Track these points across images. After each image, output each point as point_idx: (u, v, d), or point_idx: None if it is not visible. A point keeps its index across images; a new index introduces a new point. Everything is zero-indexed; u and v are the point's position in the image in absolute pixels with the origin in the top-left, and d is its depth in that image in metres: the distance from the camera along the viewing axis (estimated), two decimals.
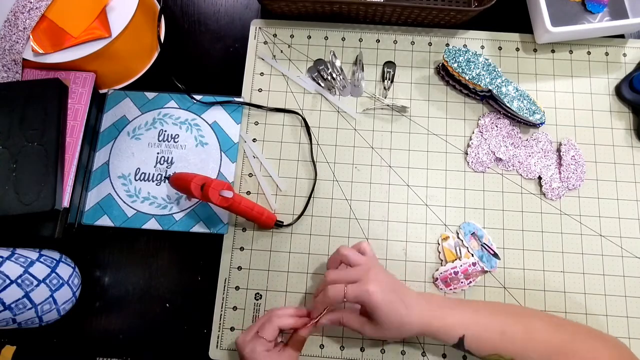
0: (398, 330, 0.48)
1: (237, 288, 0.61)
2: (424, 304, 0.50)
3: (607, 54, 0.69)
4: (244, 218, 0.60)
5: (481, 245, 0.61)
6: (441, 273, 0.60)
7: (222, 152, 0.65)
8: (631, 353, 0.50)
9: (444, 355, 0.58)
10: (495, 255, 0.60)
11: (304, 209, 0.63)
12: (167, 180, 0.64)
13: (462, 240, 0.61)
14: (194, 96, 0.67)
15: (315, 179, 0.64)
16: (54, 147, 0.58)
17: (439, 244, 0.61)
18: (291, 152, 0.66)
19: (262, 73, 0.69)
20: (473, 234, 0.61)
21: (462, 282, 0.59)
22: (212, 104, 0.67)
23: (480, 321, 0.49)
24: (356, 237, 0.62)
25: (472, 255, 0.60)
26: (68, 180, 0.59)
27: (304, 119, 0.66)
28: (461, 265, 0.59)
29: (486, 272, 0.60)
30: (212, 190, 0.54)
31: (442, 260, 0.61)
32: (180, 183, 0.57)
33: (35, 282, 0.54)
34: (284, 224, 0.62)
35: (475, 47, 0.70)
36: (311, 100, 0.68)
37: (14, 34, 0.60)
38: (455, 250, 0.61)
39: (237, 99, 0.67)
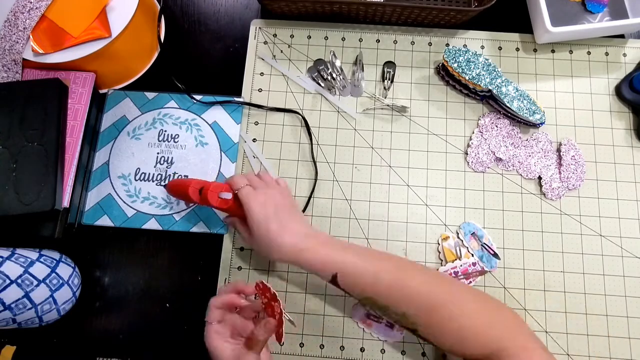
0: (266, 249, 0.50)
1: None
2: (303, 233, 0.50)
3: (607, 54, 0.69)
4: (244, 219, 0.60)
5: (481, 245, 0.61)
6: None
7: (222, 152, 0.65)
8: (527, 328, 0.47)
9: (443, 356, 0.58)
10: (495, 255, 0.60)
11: (304, 209, 0.63)
12: (164, 187, 0.63)
13: (462, 240, 0.61)
14: (194, 96, 0.66)
15: (315, 179, 0.64)
16: (54, 147, 0.58)
17: (439, 244, 0.61)
18: (291, 152, 0.66)
19: (262, 73, 0.69)
20: (473, 234, 0.61)
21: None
22: (212, 103, 0.67)
23: (357, 262, 0.48)
24: (356, 237, 0.62)
25: (472, 255, 0.60)
26: (68, 180, 0.59)
27: (304, 119, 0.66)
28: (461, 265, 0.59)
29: (486, 272, 0.60)
30: (211, 193, 0.54)
31: (442, 260, 0.61)
32: (177, 189, 0.57)
33: (35, 282, 0.54)
34: None
35: (475, 47, 0.70)
36: (311, 100, 0.68)
37: (14, 34, 0.60)
38: (455, 250, 0.61)
39: (237, 99, 0.67)
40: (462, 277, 0.59)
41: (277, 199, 0.52)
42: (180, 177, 0.64)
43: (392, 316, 0.48)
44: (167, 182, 0.63)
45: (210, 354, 0.50)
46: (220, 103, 0.67)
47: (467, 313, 0.46)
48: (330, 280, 0.49)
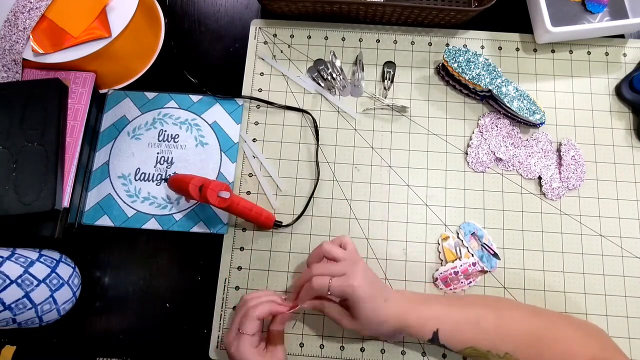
0: (376, 326, 0.49)
1: (237, 288, 0.61)
2: (400, 298, 0.50)
3: (607, 54, 0.69)
4: (243, 219, 0.60)
5: (481, 245, 0.61)
6: (441, 273, 0.60)
7: (222, 152, 0.65)
8: (612, 342, 0.49)
9: (444, 356, 0.58)
10: (495, 255, 0.60)
11: (304, 209, 0.63)
12: (165, 182, 0.64)
13: (462, 240, 0.61)
14: (191, 96, 0.67)
15: (317, 179, 0.64)
16: (54, 147, 0.58)
17: (439, 243, 0.61)
18: (291, 152, 0.66)
19: (262, 73, 0.69)
20: (473, 234, 0.61)
21: (462, 282, 0.59)
22: (222, 98, 0.67)
23: (453, 315, 0.49)
24: (356, 237, 0.62)
25: (472, 255, 0.60)
26: (68, 180, 0.59)
27: (314, 119, 0.66)
28: (461, 265, 0.59)
29: (486, 272, 0.60)
30: (210, 192, 0.54)
31: (442, 260, 0.61)
32: (179, 185, 0.57)
33: (35, 282, 0.54)
34: (283, 224, 0.62)
35: (475, 47, 0.70)
36: (311, 100, 0.68)
37: (14, 34, 0.60)
38: (456, 250, 0.61)
39: (236, 99, 0.67)
40: (462, 277, 0.59)
41: (364, 272, 0.50)
42: None
43: (491, 359, 0.48)
44: (168, 177, 0.64)
45: None
46: (234, 97, 0.67)
47: (562, 338, 0.47)
48: (431, 338, 0.49)
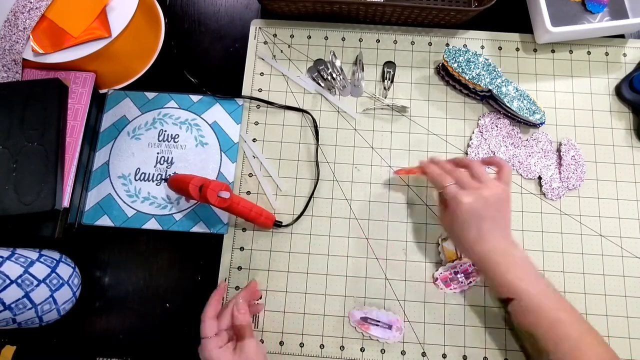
0: (458, 240, 0.53)
1: (237, 288, 0.61)
2: (500, 248, 0.51)
3: (607, 54, 0.69)
4: (243, 219, 0.60)
5: None
6: (441, 273, 0.60)
7: (222, 152, 0.65)
8: None
9: (444, 356, 0.58)
10: None
11: (304, 209, 0.63)
12: (165, 182, 0.64)
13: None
14: (191, 96, 0.67)
15: (317, 179, 0.64)
16: (54, 147, 0.58)
17: (438, 243, 0.61)
18: (291, 152, 0.66)
19: (262, 73, 0.69)
20: None
21: (462, 282, 0.59)
22: (222, 98, 0.67)
23: (542, 300, 0.48)
24: (356, 237, 0.62)
25: None
26: (68, 180, 0.59)
27: (314, 119, 0.66)
28: (461, 265, 0.59)
29: None
30: (210, 192, 0.54)
31: (442, 260, 0.61)
32: (179, 185, 0.58)
33: (35, 282, 0.54)
34: (283, 224, 0.62)
35: (475, 47, 0.70)
36: (311, 100, 0.68)
37: (14, 34, 0.60)
38: (456, 249, 0.61)
39: (237, 99, 0.67)
40: (462, 276, 0.59)
41: (486, 204, 0.51)
42: None
43: (537, 354, 0.48)
44: (168, 177, 0.63)
45: None
46: (234, 98, 0.67)
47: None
48: (503, 300, 0.50)
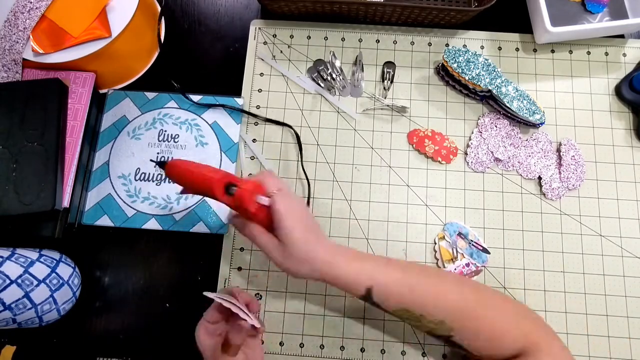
0: (303, 260, 0.46)
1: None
2: (334, 245, 0.48)
3: (607, 54, 0.69)
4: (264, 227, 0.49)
5: (469, 242, 0.61)
6: None
7: (222, 152, 0.65)
8: (549, 328, 0.48)
9: (444, 356, 0.58)
10: (485, 250, 0.60)
11: None
12: (159, 166, 0.50)
13: (449, 242, 0.61)
14: (191, 97, 0.66)
15: (308, 196, 0.64)
16: (54, 147, 0.58)
17: (435, 243, 0.61)
18: (291, 152, 0.66)
19: (262, 73, 0.69)
20: (459, 233, 0.61)
21: None
22: (209, 106, 0.67)
23: (390, 274, 0.47)
24: (356, 237, 0.62)
25: (464, 255, 0.60)
26: (68, 180, 0.59)
27: (297, 134, 0.66)
28: (455, 269, 0.59)
29: (480, 272, 0.60)
30: (248, 194, 0.42)
31: (437, 260, 0.61)
32: (186, 175, 0.46)
33: (35, 282, 0.54)
34: None
35: (475, 47, 0.70)
36: (311, 101, 0.68)
37: (14, 34, 0.60)
38: (452, 249, 0.61)
39: (236, 99, 0.67)
40: None
41: (306, 209, 0.49)
42: None
43: (427, 325, 0.48)
44: (168, 159, 0.52)
45: (197, 344, 0.50)
46: (216, 106, 0.66)
47: (497, 311, 0.48)
48: (364, 294, 0.47)
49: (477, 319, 0.47)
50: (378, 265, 0.48)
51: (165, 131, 0.66)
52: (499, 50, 0.70)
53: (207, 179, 0.44)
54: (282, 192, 0.46)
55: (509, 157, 0.64)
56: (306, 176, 0.64)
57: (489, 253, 0.61)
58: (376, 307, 0.49)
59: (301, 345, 0.59)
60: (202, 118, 0.67)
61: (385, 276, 0.47)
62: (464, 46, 0.70)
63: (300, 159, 0.65)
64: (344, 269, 0.47)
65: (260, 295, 0.61)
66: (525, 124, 0.65)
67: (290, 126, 0.66)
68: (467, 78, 0.63)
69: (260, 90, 0.68)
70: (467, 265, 0.60)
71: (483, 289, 0.51)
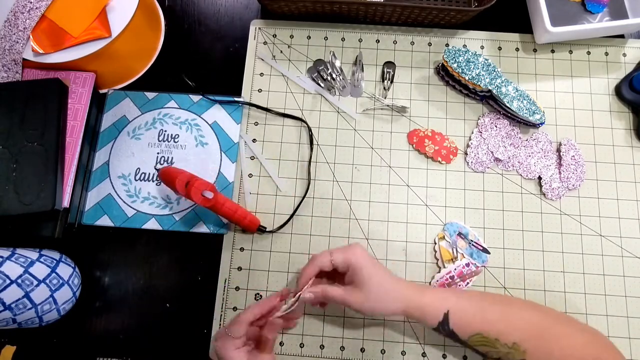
0: (382, 299, 0.49)
1: (237, 288, 0.61)
2: (407, 282, 0.52)
3: (607, 54, 0.69)
4: (227, 220, 0.60)
5: (469, 242, 0.61)
6: (437, 280, 0.59)
7: (222, 152, 0.65)
8: (614, 347, 0.49)
9: (444, 356, 0.58)
10: (485, 250, 0.60)
11: (293, 213, 0.63)
12: (157, 172, 0.64)
13: (449, 242, 0.61)
14: (191, 97, 0.66)
15: (304, 196, 0.64)
16: (54, 147, 0.58)
17: (435, 242, 0.61)
18: (291, 152, 0.66)
19: (261, 73, 0.69)
20: (459, 233, 0.61)
21: (459, 285, 0.59)
22: (219, 102, 0.67)
23: (460, 302, 0.50)
24: (356, 237, 0.62)
25: (464, 255, 0.60)
26: (68, 180, 0.59)
27: (309, 126, 0.66)
28: (455, 269, 0.59)
29: (480, 272, 0.60)
30: (195, 190, 0.55)
31: (437, 260, 0.61)
32: (167, 178, 0.58)
33: (35, 282, 0.54)
34: (267, 229, 0.62)
35: (475, 47, 0.70)
36: (311, 101, 0.68)
37: (14, 34, 0.60)
38: (452, 249, 0.61)
39: (240, 99, 0.67)
40: (458, 280, 0.59)
41: (367, 253, 0.52)
42: None
43: (501, 349, 0.49)
44: (162, 167, 0.64)
45: None
46: (225, 102, 0.67)
47: (568, 333, 0.49)
48: (441, 320, 0.49)
49: (549, 339, 0.48)
50: (451, 292, 0.51)
51: (165, 131, 0.66)
52: (499, 50, 0.70)
53: (173, 177, 0.56)
54: (354, 246, 0.51)
55: (509, 157, 0.64)
56: (308, 176, 0.64)
57: (489, 253, 0.61)
58: (451, 338, 0.50)
59: (301, 345, 0.59)
60: (202, 118, 0.67)
61: (458, 300, 0.50)
62: (464, 46, 0.70)
63: (310, 156, 0.65)
64: (429, 297, 0.50)
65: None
66: (525, 124, 0.65)
67: (305, 121, 0.66)
68: (467, 78, 0.63)
69: (260, 90, 0.68)
70: (467, 265, 0.60)
71: (549, 310, 0.52)
